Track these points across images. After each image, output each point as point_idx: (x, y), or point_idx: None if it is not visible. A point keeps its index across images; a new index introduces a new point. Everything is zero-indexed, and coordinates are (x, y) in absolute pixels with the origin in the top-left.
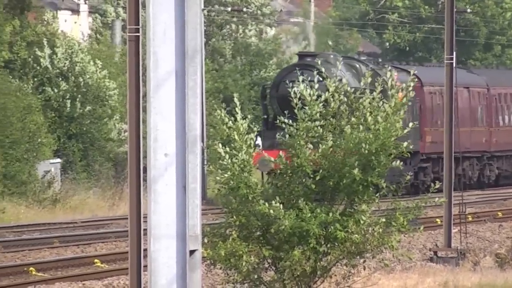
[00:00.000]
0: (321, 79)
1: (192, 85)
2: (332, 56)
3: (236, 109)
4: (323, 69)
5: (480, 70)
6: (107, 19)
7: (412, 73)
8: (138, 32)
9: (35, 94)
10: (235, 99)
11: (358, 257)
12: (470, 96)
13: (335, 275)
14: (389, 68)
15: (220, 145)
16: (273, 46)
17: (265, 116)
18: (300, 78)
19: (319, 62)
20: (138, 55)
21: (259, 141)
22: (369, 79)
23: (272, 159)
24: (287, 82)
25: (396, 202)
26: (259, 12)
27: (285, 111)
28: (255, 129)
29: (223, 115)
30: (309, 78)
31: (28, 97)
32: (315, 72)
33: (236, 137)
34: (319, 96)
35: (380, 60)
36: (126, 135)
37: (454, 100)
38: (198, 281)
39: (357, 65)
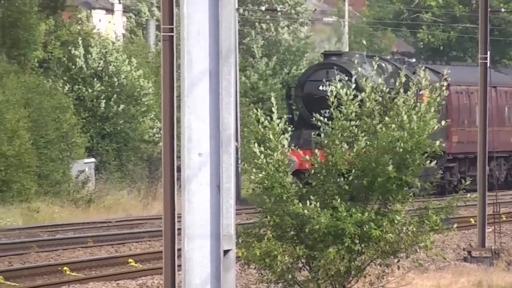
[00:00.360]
0: (346, 78)
1: (226, 84)
2: (357, 55)
3: (273, 108)
4: (358, 69)
5: (508, 69)
6: (141, 18)
7: (446, 72)
8: (172, 32)
9: (68, 94)
10: (272, 99)
11: (392, 256)
12: (497, 96)
13: (369, 275)
14: (423, 67)
15: (256, 144)
16: (303, 44)
17: (290, 116)
18: (337, 77)
19: (345, 61)
20: (172, 55)
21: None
22: (404, 79)
23: (295, 159)
24: (313, 80)
25: (428, 201)
26: (292, 11)
27: (311, 111)
28: (289, 128)
29: (259, 114)
30: (333, 78)
31: (62, 97)
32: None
33: (271, 136)
34: (355, 96)
35: (406, 59)
36: (160, 134)
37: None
38: (232, 281)
39: (383, 65)
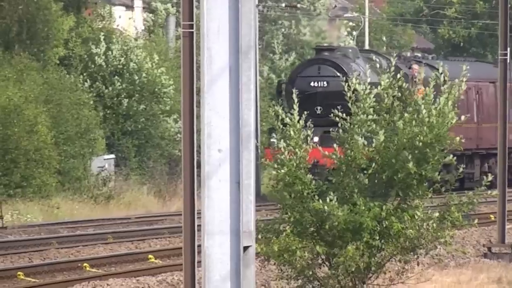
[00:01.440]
0: (338, 74)
1: (246, 80)
2: (350, 50)
3: (294, 105)
4: (351, 64)
5: None
6: (160, 15)
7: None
8: (192, 28)
9: (88, 90)
10: (294, 95)
11: (411, 253)
12: (497, 91)
13: (389, 271)
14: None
15: (282, 141)
16: (321, 39)
17: None
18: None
19: (337, 57)
20: (192, 51)
21: (274, 138)
22: (423, 75)
23: None
24: (304, 76)
25: (449, 197)
26: (312, 7)
27: (302, 108)
28: (312, 125)
29: (280, 110)
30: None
31: (82, 94)
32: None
33: (292, 133)
34: (371, 91)
35: (402, 53)
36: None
37: (480, 96)
38: (252, 277)
39: (377, 59)
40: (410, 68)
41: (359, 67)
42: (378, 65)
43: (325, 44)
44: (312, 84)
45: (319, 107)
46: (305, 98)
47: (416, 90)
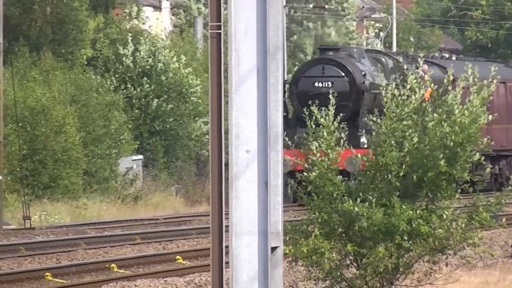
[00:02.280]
0: (342, 74)
1: (274, 81)
2: (355, 50)
3: (329, 106)
4: (356, 64)
5: None
6: (189, 15)
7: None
8: (220, 29)
9: (117, 91)
10: (330, 96)
11: (440, 253)
12: (507, 92)
13: (417, 272)
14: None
15: (315, 142)
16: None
17: (284, 114)
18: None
19: (342, 57)
20: (220, 52)
21: None
22: (452, 77)
23: (289, 158)
24: (308, 76)
25: (477, 197)
26: (339, 8)
27: (305, 108)
28: (345, 127)
29: (315, 111)
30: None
31: (110, 95)
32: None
33: (325, 134)
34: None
35: (410, 53)
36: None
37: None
38: (279, 278)
39: (383, 59)
40: (417, 68)
41: (365, 67)
42: (381, 65)
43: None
44: (316, 84)
45: (323, 108)
46: (309, 99)
47: (424, 91)
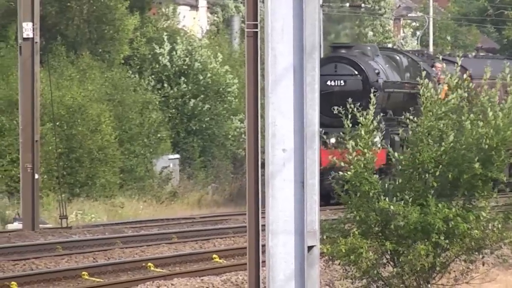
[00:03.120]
0: (355, 72)
1: (310, 80)
2: (369, 48)
3: (370, 106)
4: (369, 62)
5: None
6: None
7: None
8: (257, 28)
9: (153, 90)
10: (371, 95)
11: (476, 252)
12: None
13: (454, 271)
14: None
15: (351, 141)
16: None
17: None
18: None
19: (355, 54)
20: (256, 51)
21: None
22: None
23: None
24: (321, 75)
25: None
26: (376, 7)
27: (340, 107)
28: (383, 126)
29: (355, 109)
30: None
31: (147, 93)
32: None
33: (363, 133)
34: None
35: (426, 51)
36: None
37: (508, 95)
38: (316, 277)
39: (397, 57)
40: (433, 66)
41: (378, 65)
42: (395, 63)
43: (388, 44)
44: (328, 83)
45: (335, 107)
46: (321, 97)
47: (440, 90)
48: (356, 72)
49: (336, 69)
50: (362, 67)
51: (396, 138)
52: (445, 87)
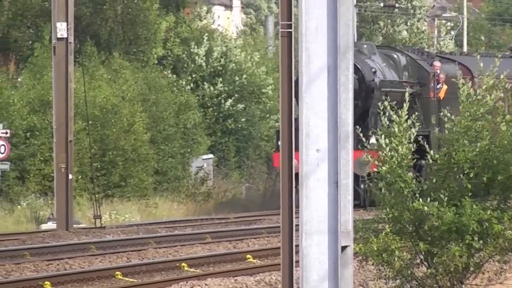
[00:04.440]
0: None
1: (344, 80)
2: (365, 46)
3: (404, 104)
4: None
5: None
6: (260, 14)
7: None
8: (291, 28)
9: (193, 91)
10: (406, 93)
11: (510, 253)
12: None
13: (487, 271)
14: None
15: (383, 136)
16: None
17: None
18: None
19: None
20: (290, 51)
21: None
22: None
23: (296, 162)
24: None
25: None
26: (409, 5)
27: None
28: (417, 123)
29: (388, 106)
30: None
31: (184, 94)
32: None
33: (397, 130)
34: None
35: (426, 49)
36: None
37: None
38: (350, 277)
39: (395, 56)
40: (431, 65)
41: (375, 64)
42: (393, 62)
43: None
44: None
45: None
46: None
47: (438, 90)
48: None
49: None
50: (358, 65)
51: None
52: (444, 87)
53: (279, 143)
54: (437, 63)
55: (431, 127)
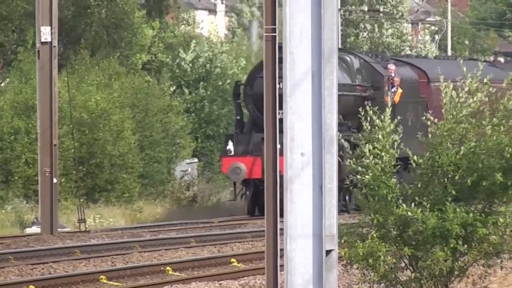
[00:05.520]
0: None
1: (329, 85)
2: None
3: (387, 109)
4: None
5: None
6: (243, 19)
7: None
8: (275, 32)
9: (173, 96)
10: (388, 98)
11: (494, 257)
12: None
13: (472, 275)
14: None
15: (368, 145)
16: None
17: (238, 117)
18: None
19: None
20: (274, 55)
21: (230, 145)
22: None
23: (244, 167)
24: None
25: None
26: (395, 11)
27: (262, 112)
28: (399, 130)
29: (370, 112)
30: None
31: (167, 99)
32: None
33: (381, 136)
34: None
35: (380, 52)
36: None
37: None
38: (334, 281)
39: (348, 58)
40: (386, 68)
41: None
42: (345, 65)
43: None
44: None
45: (281, 112)
46: (262, 102)
47: (393, 93)
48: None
49: (281, 71)
50: None
51: (346, 143)
52: (399, 91)
53: (228, 148)
54: (391, 66)
55: None
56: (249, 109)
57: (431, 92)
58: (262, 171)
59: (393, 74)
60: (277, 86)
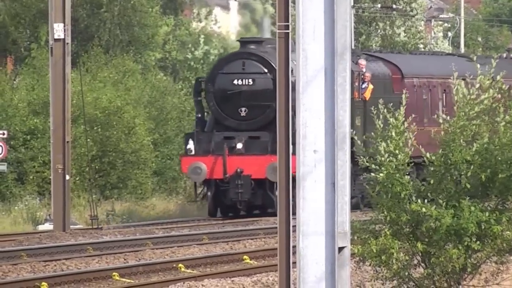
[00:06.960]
0: (265, 70)
1: (341, 82)
2: None
3: (402, 107)
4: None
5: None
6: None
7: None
8: (288, 29)
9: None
10: (403, 96)
11: (507, 254)
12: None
13: (484, 272)
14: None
15: (383, 143)
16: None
17: (199, 115)
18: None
19: (266, 50)
20: (287, 52)
21: (191, 145)
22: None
23: (205, 167)
24: (226, 73)
25: None
26: (408, 8)
27: (224, 109)
28: (413, 126)
29: (385, 110)
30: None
31: (181, 96)
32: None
33: (394, 134)
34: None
35: (353, 48)
36: None
37: (447, 95)
38: (347, 278)
39: None
40: (356, 63)
41: (293, 63)
42: None
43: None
44: (235, 82)
45: (243, 109)
46: (227, 98)
47: (364, 90)
48: (266, 70)
49: (244, 67)
50: (273, 64)
51: None
52: (370, 87)
53: (188, 147)
54: (362, 61)
55: (356, 130)
56: (211, 106)
57: (405, 88)
58: (224, 171)
59: (364, 70)
60: (290, 82)
